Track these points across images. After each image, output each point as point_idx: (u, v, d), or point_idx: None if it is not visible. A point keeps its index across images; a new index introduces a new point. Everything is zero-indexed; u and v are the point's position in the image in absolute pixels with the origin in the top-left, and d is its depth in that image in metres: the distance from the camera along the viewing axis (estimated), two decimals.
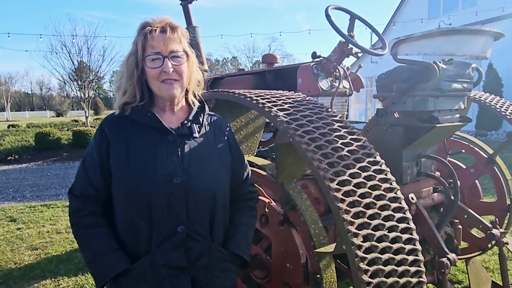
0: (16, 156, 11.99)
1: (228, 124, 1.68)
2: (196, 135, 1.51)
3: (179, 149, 1.46)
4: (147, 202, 1.40)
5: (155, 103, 1.53)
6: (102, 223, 1.47)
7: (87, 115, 20.27)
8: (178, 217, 1.42)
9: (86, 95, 20.67)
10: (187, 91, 1.55)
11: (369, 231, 1.41)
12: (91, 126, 17.09)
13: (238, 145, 1.70)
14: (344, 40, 2.87)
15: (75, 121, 26.81)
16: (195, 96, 1.59)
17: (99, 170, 1.46)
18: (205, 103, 1.61)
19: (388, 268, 1.39)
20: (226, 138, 1.61)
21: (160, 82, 1.45)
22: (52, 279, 3.80)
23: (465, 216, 2.57)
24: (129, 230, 1.44)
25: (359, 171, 1.55)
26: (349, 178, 1.51)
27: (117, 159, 1.44)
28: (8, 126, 22.37)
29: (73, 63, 20.55)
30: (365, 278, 1.34)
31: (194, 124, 1.52)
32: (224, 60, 64.84)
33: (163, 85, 1.46)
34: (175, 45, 1.45)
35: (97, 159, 1.46)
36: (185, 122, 1.52)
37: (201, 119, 1.55)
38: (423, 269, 1.47)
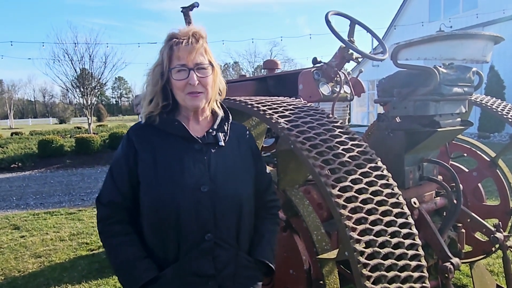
0: (19, 164, 12.05)
1: (249, 132, 1.67)
2: (222, 143, 1.51)
3: (205, 158, 1.47)
4: (175, 210, 1.40)
5: (180, 112, 1.54)
6: (130, 231, 1.47)
7: (89, 122, 20.34)
8: (206, 225, 1.42)
9: (89, 102, 20.74)
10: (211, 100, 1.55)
11: (371, 237, 1.41)
12: (94, 133, 17.14)
13: (260, 153, 1.70)
14: (344, 46, 2.88)
15: (78, 128, 26.94)
16: (217, 105, 1.59)
17: (127, 178, 1.46)
18: (228, 111, 1.61)
19: (391, 274, 1.39)
20: (249, 146, 1.61)
21: (186, 94, 1.47)
22: (56, 286, 3.81)
23: (468, 220, 2.57)
24: (156, 238, 1.45)
25: (361, 177, 1.55)
26: (350, 184, 1.51)
27: (145, 167, 1.45)
28: (12, 134, 22.46)
29: (75, 70, 20.64)
30: (368, 284, 1.34)
31: (220, 133, 1.53)
32: (226, 65, 65.06)
33: (188, 96, 1.47)
34: (201, 57, 1.46)
35: (125, 167, 1.47)
36: (210, 131, 1.53)
37: (226, 128, 1.55)
38: (426, 274, 1.47)
